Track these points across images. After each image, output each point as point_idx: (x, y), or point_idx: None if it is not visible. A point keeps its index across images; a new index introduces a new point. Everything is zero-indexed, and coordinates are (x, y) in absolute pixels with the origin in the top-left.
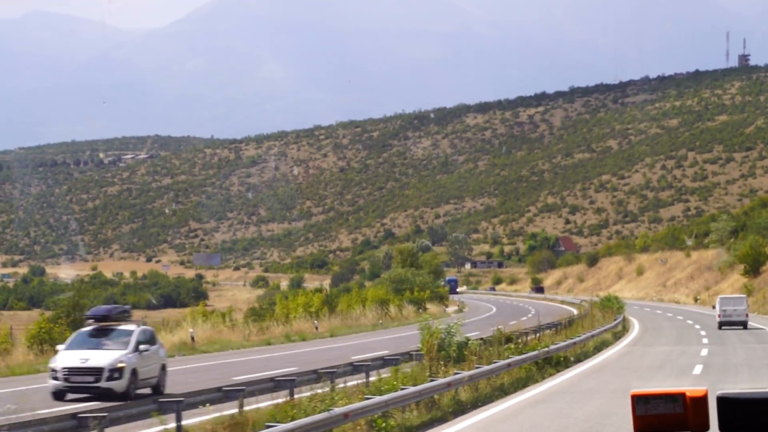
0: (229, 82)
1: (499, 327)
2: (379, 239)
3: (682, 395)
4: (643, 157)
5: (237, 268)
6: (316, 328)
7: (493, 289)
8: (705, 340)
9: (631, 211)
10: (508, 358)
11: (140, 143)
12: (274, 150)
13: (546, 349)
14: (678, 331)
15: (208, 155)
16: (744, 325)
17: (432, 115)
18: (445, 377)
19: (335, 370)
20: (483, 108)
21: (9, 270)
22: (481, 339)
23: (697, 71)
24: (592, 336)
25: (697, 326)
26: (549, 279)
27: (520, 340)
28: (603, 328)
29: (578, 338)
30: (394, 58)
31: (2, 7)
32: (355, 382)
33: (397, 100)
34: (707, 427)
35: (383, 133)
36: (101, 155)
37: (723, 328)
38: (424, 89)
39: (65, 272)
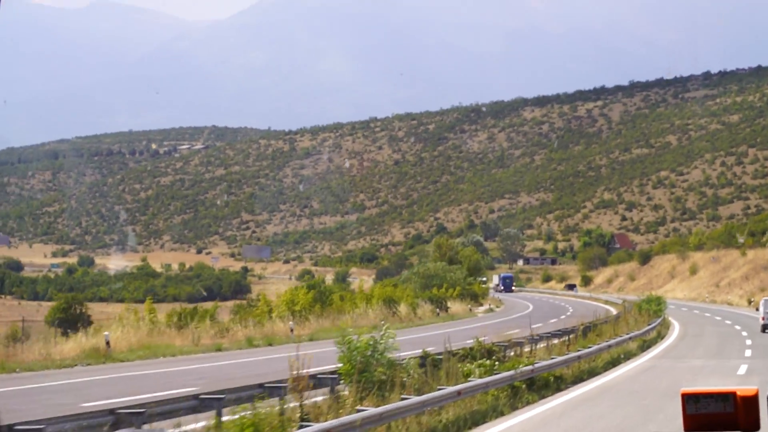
0: (289, 75)
1: (480, 338)
2: (431, 234)
3: (733, 394)
4: (703, 153)
5: (287, 261)
6: (291, 330)
7: (573, 286)
8: (748, 352)
9: (690, 208)
10: (467, 381)
11: (197, 134)
12: (329, 142)
13: (529, 367)
14: (720, 339)
15: (263, 146)
16: None
17: (484, 109)
18: (325, 421)
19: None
20: (541, 102)
21: (59, 260)
22: (451, 352)
23: (759, 66)
24: (609, 346)
25: (744, 333)
26: (600, 277)
27: (512, 352)
28: (627, 336)
29: (584, 351)
30: (455, 52)
31: None
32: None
33: (456, 93)
34: (758, 426)
35: (439, 126)
36: (154, 146)
37: (767, 331)
38: (483, 83)
39: (114, 263)
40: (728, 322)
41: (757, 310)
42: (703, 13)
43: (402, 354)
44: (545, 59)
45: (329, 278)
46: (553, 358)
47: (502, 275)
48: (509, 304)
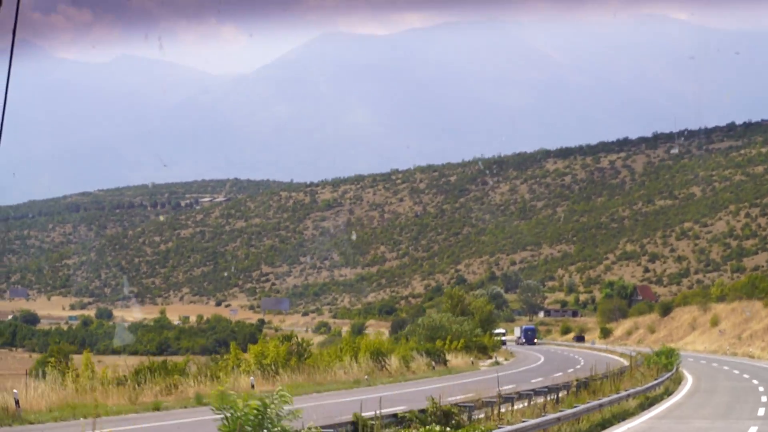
0: (314, 128)
1: (433, 397)
2: (450, 285)
3: None
4: (727, 204)
5: (305, 314)
6: (252, 386)
7: (581, 338)
8: (761, 411)
9: (714, 259)
10: None
11: (219, 186)
12: (350, 194)
13: None
14: (733, 396)
15: (284, 198)
16: None
17: (504, 162)
18: None
19: None
20: (564, 153)
21: (77, 312)
22: (396, 416)
23: None
24: (601, 405)
25: (761, 388)
26: (620, 329)
27: (482, 414)
28: (624, 393)
29: (567, 412)
30: (481, 106)
31: (93, 51)
32: None
33: (481, 146)
34: None
35: (461, 177)
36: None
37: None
38: (507, 135)
39: (133, 315)
40: (746, 376)
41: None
42: (727, 65)
43: (341, 419)
44: (570, 112)
45: (345, 330)
46: (524, 422)
47: (524, 327)
48: (521, 357)
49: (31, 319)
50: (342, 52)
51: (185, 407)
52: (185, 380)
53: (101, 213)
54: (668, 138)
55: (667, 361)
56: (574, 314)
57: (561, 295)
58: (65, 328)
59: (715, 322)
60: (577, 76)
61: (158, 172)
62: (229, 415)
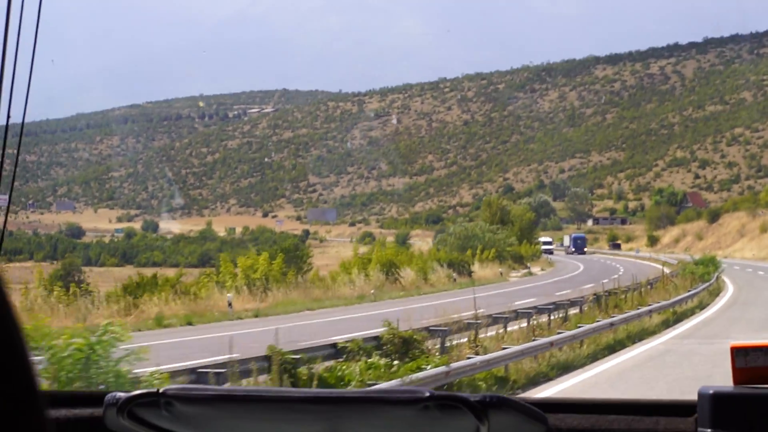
0: (364, 39)
1: (390, 322)
2: (499, 194)
3: None
4: None
5: (352, 224)
6: (230, 305)
7: (617, 245)
8: None
9: (765, 165)
10: None
11: (267, 97)
12: (398, 103)
13: (442, 368)
14: None
15: (331, 108)
16: None
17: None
18: None
19: None
20: (613, 60)
21: (124, 225)
22: (335, 347)
23: None
24: (612, 324)
25: None
26: (667, 237)
27: (467, 338)
28: (645, 309)
29: (563, 335)
30: (530, 14)
31: None
32: None
33: (529, 54)
34: None
35: (509, 85)
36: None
37: None
38: (556, 43)
39: (177, 227)
40: None
41: None
42: None
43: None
44: (621, 20)
45: (390, 240)
46: (504, 348)
47: (573, 236)
48: (560, 266)
49: (76, 232)
50: None
51: (140, 330)
52: (150, 298)
53: (149, 125)
54: (719, 43)
55: (704, 270)
56: (623, 222)
57: (610, 203)
58: (107, 241)
59: (764, 229)
60: None
61: (208, 85)
62: (48, 356)
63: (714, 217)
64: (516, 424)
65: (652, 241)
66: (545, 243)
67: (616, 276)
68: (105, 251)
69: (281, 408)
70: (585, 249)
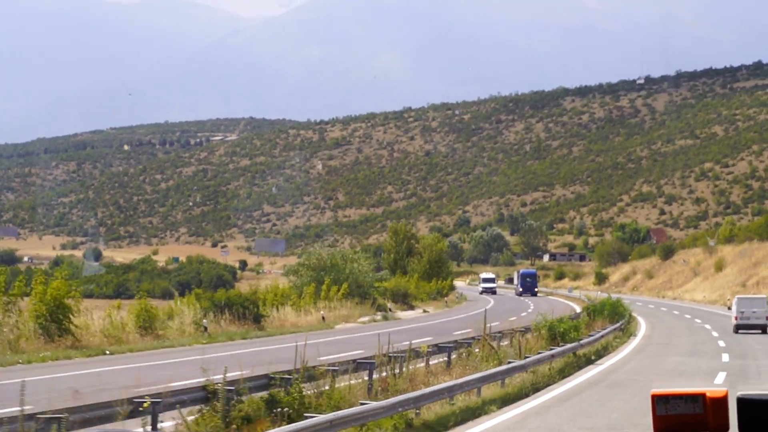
0: (344, 71)
1: None
2: (453, 227)
3: (702, 396)
4: (750, 144)
5: (301, 256)
6: None
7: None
8: None
9: (734, 202)
10: None
11: (233, 125)
12: (360, 132)
13: None
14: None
15: (291, 136)
16: (763, 329)
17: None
18: None
19: None
20: (582, 92)
21: (67, 252)
22: None
23: None
24: (417, 401)
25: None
26: (616, 274)
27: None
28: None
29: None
30: (511, 51)
31: None
32: None
33: (498, 85)
34: (727, 428)
35: (475, 116)
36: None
37: (740, 331)
38: (528, 75)
39: (124, 256)
40: (722, 344)
41: (729, 309)
42: (760, 7)
43: None
44: (596, 57)
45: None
46: None
47: (521, 272)
48: (463, 306)
49: (8, 258)
50: None
51: None
52: None
53: (108, 151)
54: (692, 77)
55: (571, 325)
56: (582, 258)
57: (570, 238)
58: (34, 268)
59: (720, 267)
60: (608, 22)
61: (185, 114)
62: None
63: (668, 253)
64: None
65: (600, 278)
66: (486, 280)
67: (530, 309)
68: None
69: None
70: (536, 289)
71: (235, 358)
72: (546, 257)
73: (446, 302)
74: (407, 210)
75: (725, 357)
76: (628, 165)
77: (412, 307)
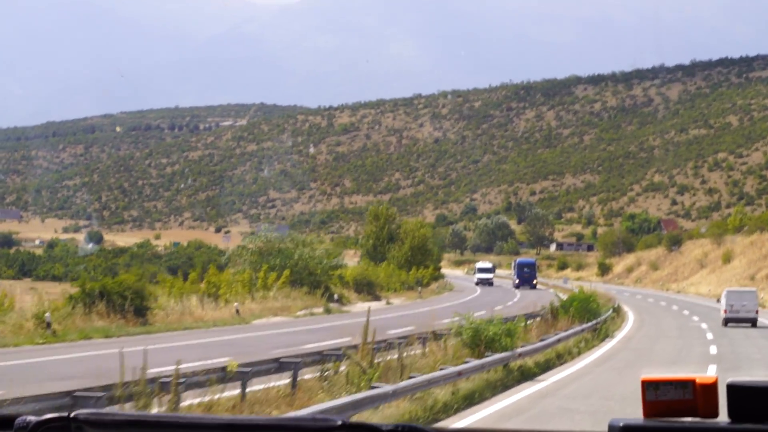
0: (357, 60)
1: None
2: (459, 215)
3: (692, 382)
4: (766, 134)
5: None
6: None
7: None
8: None
9: (747, 192)
10: None
11: (243, 111)
12: (369, 118)
13: None
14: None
15: (300, 122)
16: (753, 322)
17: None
18: None
19: None
20: (595, 80)
21: (69, 235)
22: None
23: None
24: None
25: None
26: (620, 265)
27: None
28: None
29: None
30: (525, 42)
31: None
32: None
33: (510, 73)
34: (716, 414)
35: (486, 103)
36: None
37: (729, 325)
38: (540, 63)
39: (126, 240)
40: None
41: (718, 301)
42: None
43: None
44: (611, 47)
45: None
46: None
47: (518, 261)
48: (446, 295)
49: (6, 241)
50: None
51: None
52: None
53: (115, 134)
54: (706, 66)
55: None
56: (590, 248)
57: (578, 228)
58: (34, 251)
59: (727, 258)
60: (623, 13)
61: (199, 101)
62: None
63: (674, 243)
64: None
65: (604, 269)
66: (482, 270)
67: (516, 298)
68: (10, 262)
69: None
70: (535, 281)
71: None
72: (553, 247)
73: (419, 293)
74: (414, 197)
75: (711, 370)
76: (640, 154)
77: (378, 298)
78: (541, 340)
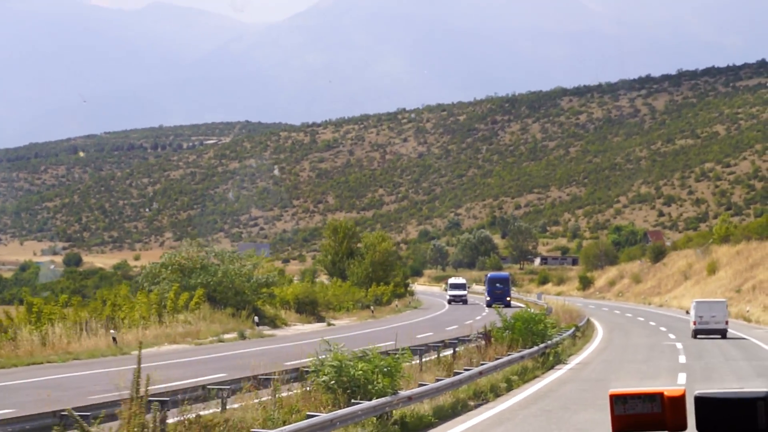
0: (346, 78)
1: None
2: (443, 231)
3: (660, 395)
4: (753, 143)
5: (286, 261)
6: None
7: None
8: None
9: (735, 203)
10: None
11: (228, 129)
12: (352, 134)
13: None
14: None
15: (282, 139)
16: (723, 333)
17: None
18: None
19: None
20: (580, 91)
21: (46, 258)
22: None
23: None
24: None
25: None
26: (602, 279)
27: None
28: None
29: None
30: (513, 57)
31: None
32: None
33: (495, 86)
34: (685, 426)
35: (470, 117)
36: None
37: (699, 336)
38: (525, 76)
39: (104, 261)
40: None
41: (687, 313)
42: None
43: None
44: (602, 60)
45: (296, 279)
46: None
47: (489, 276)
48: (408, 314)
49: None
50: (375, 1)
51: None
52: None
53: (99, 155)
54: (693, 76)
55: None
56: (574, 262)
57: (563, 242)
58: (5, 276)
59: (712, 270)
60: (613, 27)
61: (188, 120)
62: None
63: (658, 255)
64: None
65: (585, 283)
66: (454, 286)
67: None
68: None
69: None
70: (509, 298)
71: None
72: (537, 261)
73: (372, 312)
74: (398, 213)
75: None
76: (627, 166)
77: (321, 319)
78: (455, 374)
